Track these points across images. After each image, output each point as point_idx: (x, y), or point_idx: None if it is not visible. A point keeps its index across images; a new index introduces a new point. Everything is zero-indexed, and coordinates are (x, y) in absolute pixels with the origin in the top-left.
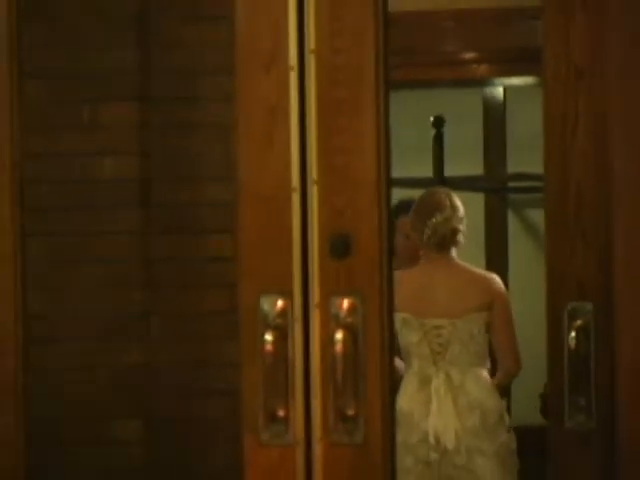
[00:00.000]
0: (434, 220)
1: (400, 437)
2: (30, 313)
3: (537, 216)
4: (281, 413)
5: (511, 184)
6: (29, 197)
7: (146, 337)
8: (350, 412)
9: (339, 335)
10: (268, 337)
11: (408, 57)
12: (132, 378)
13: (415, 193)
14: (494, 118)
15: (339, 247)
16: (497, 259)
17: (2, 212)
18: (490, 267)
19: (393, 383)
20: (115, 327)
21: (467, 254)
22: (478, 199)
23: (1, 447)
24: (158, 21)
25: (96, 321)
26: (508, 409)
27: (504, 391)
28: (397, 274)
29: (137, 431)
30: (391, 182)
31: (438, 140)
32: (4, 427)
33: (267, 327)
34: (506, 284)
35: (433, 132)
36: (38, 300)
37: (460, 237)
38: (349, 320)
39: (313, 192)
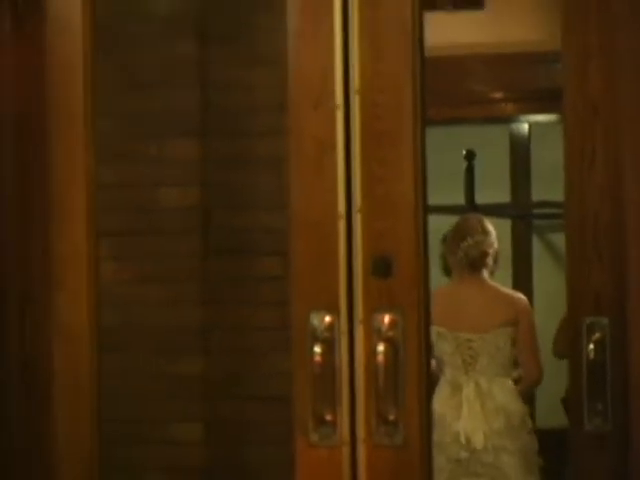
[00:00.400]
0: (466, 243)
1: (434, 438)
2: (103, 326)
3: (559, 240)
4: (329, 417)
5: (535, 211)
6: (102, 223)
7: (206, 349)
8: (391, 416)
9: (381, 347)
10: (317, 349)
11: (443, 96)
12: (193, 385)
13: (452, 220)
14: (520, 151)
15: (381, 268)
16: (523, 279)
17: (78, 237)
18: (516, 286)
19: (430, 389)
20: (178, 339)
21: (495, 274)
22: (505, 224)
23: (77, 448)
24: (216, 64)
25: (161, 334)
26: (533, 414)
27: (528, 397)
28: (433, 292)
29: (198, 433)
30: (427, 208)
31: (469, 171)
32: (79, 430)
33: (316, 340)
34: (531, 301)
35: (465, 164)
36: (110, 315)
37: (489, 259)
38: (390, 334)
39: (357, 218)
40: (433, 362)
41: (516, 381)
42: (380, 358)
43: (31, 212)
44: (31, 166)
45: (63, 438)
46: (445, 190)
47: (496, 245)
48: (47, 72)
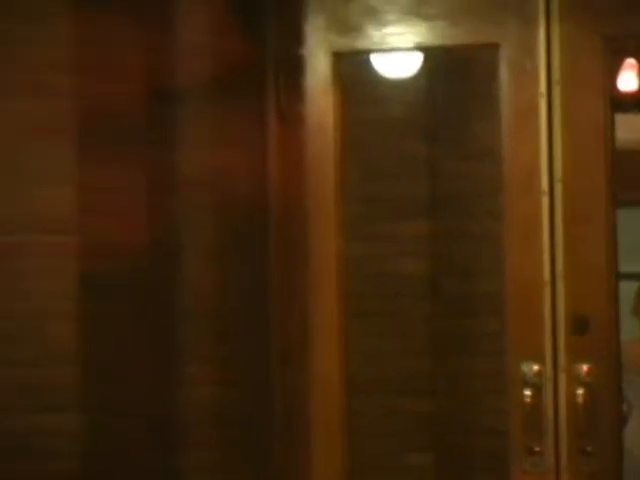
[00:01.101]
0: None
1: (625, 467)
2: (350, 374)
3: None
4: (537, 449)
5: None
6: (350, 287)
7: (435, 390)
8: (589, 448)
9: (580, 391)
10: (527, 392)
11: (630, 182)
12: (425, 420)
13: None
14: None
15: (580, 325)
16: None
17: (330, 303)
18: None
19: (621, 427)
20: (409, 384)
21: None
22: None
23: (330, 476)
24: (441, 158)
25: (396, 379)
26: None
27: None
28: (623, 343)
29: (429, 461)
30: (619, 276)
31: None
32: (331, 465)
33: (526, 385)
34: None
35: None
36: (355, 364)
37: None
38: (588, 380)
39: (560, 284)
40: (624, 405)
41: None
42: (579, 400)
43: (291, 282)
44: (292, 245)
45: (318, 475)
46: (632, 260)
47: None
48: (304, 165)
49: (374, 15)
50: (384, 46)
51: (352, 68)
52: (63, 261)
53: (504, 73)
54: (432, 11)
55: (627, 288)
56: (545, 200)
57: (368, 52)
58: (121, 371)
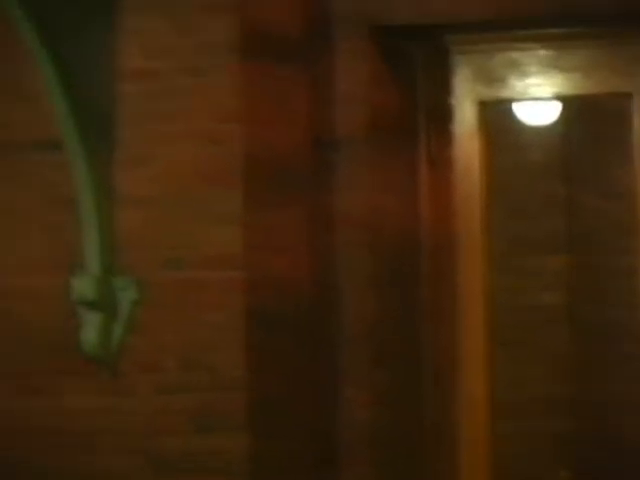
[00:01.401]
0: None
1: None
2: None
3: None
4: None
5: None
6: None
7: (574, 413)
8: None
9: None
10: None
11: None
12: (564, 441)
13: None
14: None
15: None
16: None
17: (477, 329)
18: None
19: None
20: (551, 406)
21: None
22: None
23: None
24: (578, 199)
25: (537, 402)
26: None
27: None
28: None
29: (566, 478)
30: None
31: None
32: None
33: None
34: None
35: None
36: (502, 387)
37: None
38: None
39: None
40: None
41: None
42: None
43: (441, 312)
44: (442, 280)
45: None
46: None
47: None
48: (453, 206)
49: (517, 67)
50: (525, 96)
51: (496, 116)
52: (231, 295)
53: (636, 120)
54: (569, 64)
55: None
56: None
57: (511, 101)
58: (284, 396)
